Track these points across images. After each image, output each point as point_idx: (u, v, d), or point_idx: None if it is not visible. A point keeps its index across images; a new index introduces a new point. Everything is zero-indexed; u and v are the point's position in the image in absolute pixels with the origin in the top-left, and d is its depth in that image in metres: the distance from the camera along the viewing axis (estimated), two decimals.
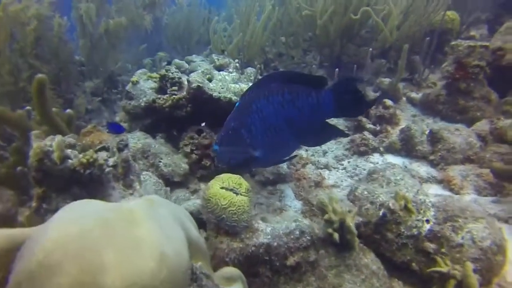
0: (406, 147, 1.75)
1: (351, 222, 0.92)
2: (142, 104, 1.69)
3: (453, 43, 1.93)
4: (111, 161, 1.32)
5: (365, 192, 1.14)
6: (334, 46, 2.97)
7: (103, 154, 1.32)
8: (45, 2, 2.36)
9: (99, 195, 1.23)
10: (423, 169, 1.61)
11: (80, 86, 2.89)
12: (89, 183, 1.21)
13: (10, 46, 2.08)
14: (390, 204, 1.02)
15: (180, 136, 1.80)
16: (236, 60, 1.92)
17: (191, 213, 1.45)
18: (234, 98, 1.59)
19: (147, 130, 1.77)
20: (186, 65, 1.97)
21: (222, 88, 1.58)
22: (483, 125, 1.78)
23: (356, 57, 3.11)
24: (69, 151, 1.17)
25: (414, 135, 1.68)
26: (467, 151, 1.56)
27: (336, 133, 1.35)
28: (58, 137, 1.12)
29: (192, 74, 1.65)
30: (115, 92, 2.98)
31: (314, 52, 3.55)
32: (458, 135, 1.60)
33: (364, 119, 2.12)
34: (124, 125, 1.81)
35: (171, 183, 1.56)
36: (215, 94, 1.57)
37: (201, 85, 1.56)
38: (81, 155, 1.17)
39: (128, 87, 1.77)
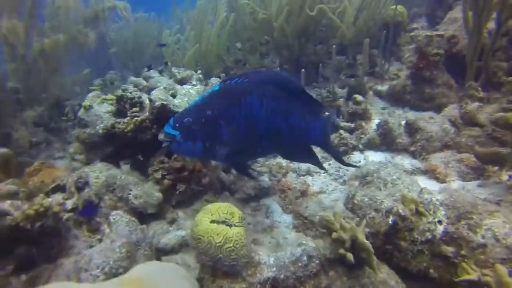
0: (385, 141, 1.72)
1: (363, 238, 0.82)
2: (100, 131, 1.47)
3: (412, 34, 1.96)
4: (69, 204, 1.11)
5: (366, 199, 1.06)
6: (292, 47, 2.93)
7: (57, 198, 1.10)
8: None
9: (57, 249, 1.01)
10: (406, 161, 1.59)
11: (18, 117, 2.53)
12: (41, 238, 0.98)
13: None
14: (400, 210, 0.94)
15: (147, 161, 1.61)
16: (199, 71, 1.76)
17: (175, 247, 1.28)
18: None
19: (108, 159, 1.55)
20: (144, 82, 1.77)
21: (188, 104, 1.43)
22: (451, 111, 1.81)
23: (315, 56, 3.11)
24: (7, 203, 0.94)
25: (392, 129, 1.66)
26: (444, 138, 1.57)
27: (314, 162, 1.26)
28: None
29: (153, 91, 1.48)
30: (64, 120, 2.66)
31: (272, 55, 3.50)
32: (433, 123, 1.60)
33: (335, 117, 2.07)
34: (80, 157, 1.58)
35: (145, 216, 1.37)
36: (181, 110, 1.41)
37: (165, 102, 1.39)
38: (25, 206, 0.94)
39: (81, 113, 1.54)
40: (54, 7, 2.62)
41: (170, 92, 1.48)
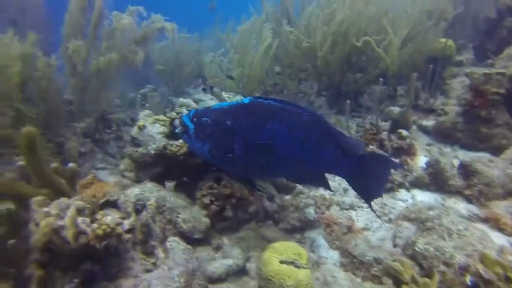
0: (435, 181, 1.66)
1: None
2: (152, 151, 1.52)
3: (467, 71, 1.92)
4: (126, 224, 1.14)
5: (430, 248, 1.02)
6: (334, 75, 2.95)
7: (114, 216, 1.13)
8: (28, 40, 2.19)
9: (116, 269, 1.04)
10: (461, 206, 1.52)
11: (70, 128, 2.68)
12: (104, 257, 1.02)
13: None
14: (482, 272, 0.89)
15: (191, 183, 1.63)
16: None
17: (221, 276, 1.27)
18: None
19: (156, 179, 1.59)
20: (194, 105, 1.83)
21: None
22: None
23: (355, 85, 3.11)
24: (79, 220, 0.98)
25: (444, 169, 1.60)
26: (508, 185, 1.49)
27: (324, 185, 1.25)
28: (71, 211, 0.93)
29: None
30: (108, 132, 2.78)
31: (310, 81, 3.53)
32: (493, 167, 1.53)
33: (378, 150, 2.03)
34: (130, 174, 1.63)
35: (192, 240, 1.38)
36: None
37: None
38: (95, 225, 0.98)
39: (134, 132, 1.60)
40: (111, 29, 2.80)
41: None
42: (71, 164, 1.29)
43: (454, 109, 2.06)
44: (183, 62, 4.05)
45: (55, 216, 0.92)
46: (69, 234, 0.87)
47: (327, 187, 1.24)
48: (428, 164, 1.72)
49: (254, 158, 1.13)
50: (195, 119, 1.07)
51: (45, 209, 0.96)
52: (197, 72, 4.20)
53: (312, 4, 3.47)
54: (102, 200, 1.54)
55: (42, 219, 0.91)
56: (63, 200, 1.08)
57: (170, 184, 1.69)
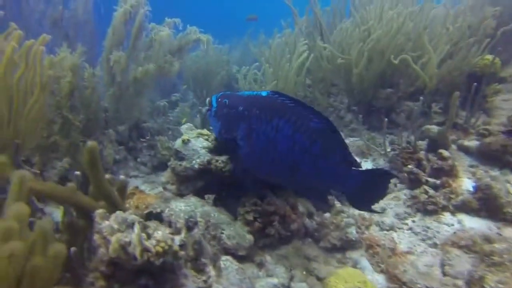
0: (486, 207, 1.60)
1: None
2: (196, 166, 1.54)
3: None
4: (177, 240, 1.15)
5: (500, 286, 0.97)
6: (367, 91, 2.92)
7: (167, 234, 1.14)
8: (76, 52, 2.29)
9: (170, 285, 1.05)
10: None
11: (106, 135, 2.76)
12: (160, 273, 1.04)
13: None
14: None
15: (230, 196, 1.64)
16: None
17: None
18: None
19: (198, 193, 1.61)
20: None
21: None
22: None
23: (387, 101, 3.06)
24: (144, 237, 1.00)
25: (498, 195, 1.54)
26: None
27: (322, 202, 1.25)
28: (137, 229, 0.95)
29: None
30: (142, 141, 2.85)
31: (341, 95, 3.51)
32: None
33: (419, 171, 1.99)
34: (172, 187, 1.65)
35: (236, 257, 1.38)
36: None
37: None
38: (153, 241, 1.00)
39: (178, 145, 1.62)
40: (148, 39, 2.88)
41: None
42: (121, 177, 1.32)
43: (500, 129, 1.99)
44: (213, 72, 4.11)
45: (120, 231, 0.93)
46: (137, 251, 0.89)
47: (325, 204, 1.24)
48: (477, 188, 1.66)
49: (253, 149, 1.15)
50: (219, 100, 1.15)
51: (108, 222, 0.99)
52: (226, 83, 4.26)
53: (343, 19, 3.49)
54: (145, 212, 1.58)
55: (109, 233, 0.93)
56: (120, 214, 1.11)
57: (209, 198, 1.70)
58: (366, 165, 2.47)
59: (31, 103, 1.54)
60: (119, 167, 2.71)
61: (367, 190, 1.21)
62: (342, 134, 3.01)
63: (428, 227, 1.65)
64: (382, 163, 2.43)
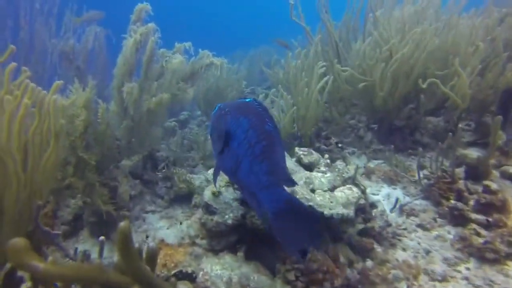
0: None
1: None
2: (229, 221, 1.40)
3: None
4: None
5: None
6: (391, 112, 2.78)
7: None
8: (88, 87, 2.18)
9: None
10: None
11: (120, 168, 2.63)
12: None
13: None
14: None
15: (265, 248, 1.50)
16: (326, 156, 1.65)
17: None
18: (345, 212, 1.30)
19: (231, 248, 1.47)
20: None
21: (331, 203, 1.30)
22: None
23: (409, 120, 2.92)
24: None
25: None
26: None
27: (256, 212, 1.18)
28: None
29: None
30: (158, 173, 2.71)
31: (358, 114, 3.38)
32: None
33: (463, 206, 1.83)
34: (202, 242, 1.51)
35: None
36: (326, 211, 1.28)
37: (311, 203, 1.28)
38: None
39: (208, 198, 1.48)
40: (159, 65, 2.78)
41: (310, 186, 1.38)
42: (151, 244, 1.19)
43: None
44: (224, 91, 4.01)
45: None
46: None
47: (258, 214, 1.17)
48: None
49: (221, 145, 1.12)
50: (220, 106, 1.17)
51: None
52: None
53: (357, 34, 3.37)
54: (174, 271, 1.43)
55: None
56: None
57: (240, 253, 1.55)
58: (396, 193, 2.33)
59: (47, 155, 1.42)
60: (135, 202, 2.58)
61: (294, 221, 1.05)
62: (364, 157, 2.91)
63: (491, 281, 1.48)
64: (413, 192, 2.28)
